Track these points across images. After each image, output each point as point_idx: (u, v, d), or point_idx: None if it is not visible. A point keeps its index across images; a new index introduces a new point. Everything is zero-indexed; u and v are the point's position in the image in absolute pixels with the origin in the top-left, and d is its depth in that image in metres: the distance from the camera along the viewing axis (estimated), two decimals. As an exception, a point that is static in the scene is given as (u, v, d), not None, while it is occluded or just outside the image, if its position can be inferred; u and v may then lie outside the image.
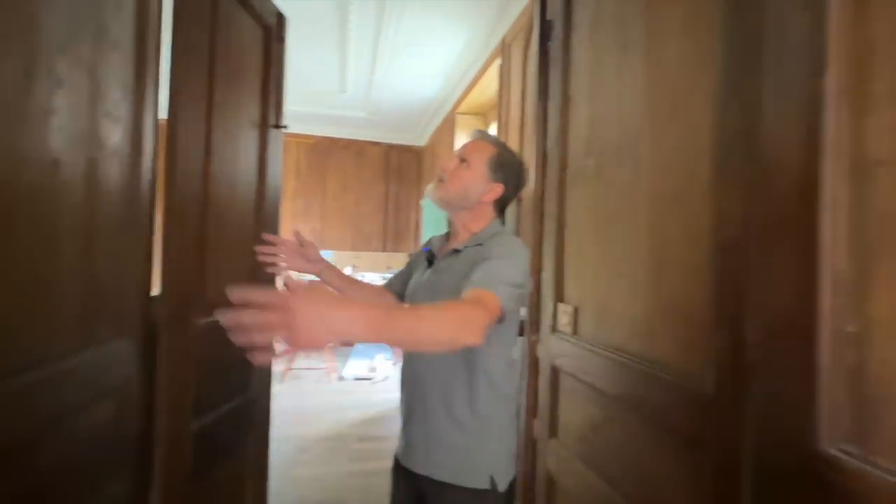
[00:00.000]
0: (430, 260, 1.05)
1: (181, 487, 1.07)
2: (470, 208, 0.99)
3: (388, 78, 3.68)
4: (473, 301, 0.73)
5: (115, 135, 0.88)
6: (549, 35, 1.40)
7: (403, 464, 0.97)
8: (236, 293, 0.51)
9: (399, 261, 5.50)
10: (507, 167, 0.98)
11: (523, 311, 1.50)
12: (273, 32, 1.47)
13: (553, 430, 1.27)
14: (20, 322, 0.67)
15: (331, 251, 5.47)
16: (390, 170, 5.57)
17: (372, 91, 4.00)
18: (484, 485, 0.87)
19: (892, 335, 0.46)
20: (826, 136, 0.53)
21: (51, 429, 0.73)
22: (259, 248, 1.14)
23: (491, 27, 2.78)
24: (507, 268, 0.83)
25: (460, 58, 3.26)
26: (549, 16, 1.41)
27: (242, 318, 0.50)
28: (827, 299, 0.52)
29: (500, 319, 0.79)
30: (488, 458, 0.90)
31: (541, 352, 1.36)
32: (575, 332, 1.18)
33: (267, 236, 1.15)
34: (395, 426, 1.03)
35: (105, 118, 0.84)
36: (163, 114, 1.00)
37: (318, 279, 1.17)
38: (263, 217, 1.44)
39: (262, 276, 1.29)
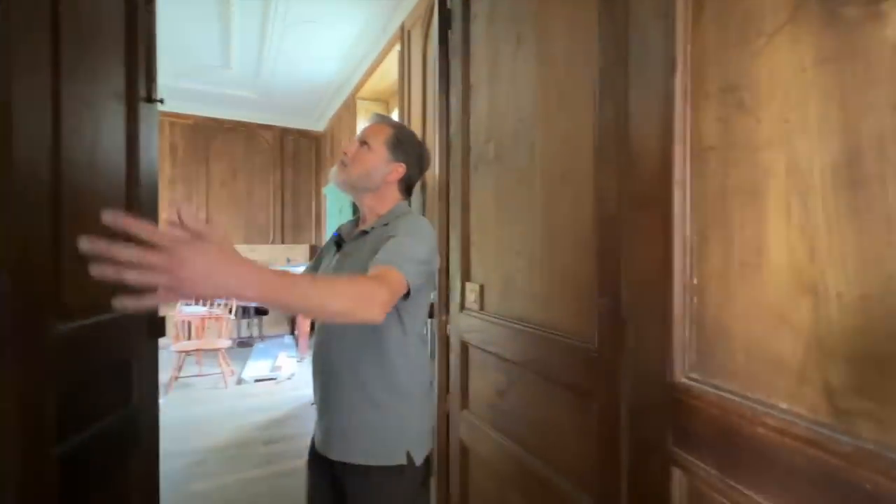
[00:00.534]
0: (340, 244, 1.03)
1: (46, 523, 0.90)
2: (375, 190, 1.00)
3: (280, 56, 3.42)
4: (376, 277, 0.73)
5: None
6: (450, 23, 1.44)
7: (322, 453, 0.95)
8: (113, 216, 0.43)
9: (299, 253, 5.20)
10: (406, 146, 1.01)
11: (433, 296, 1.55)
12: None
13: (465, 402, 1.35)
14: None
15: (220, 245, 4.95)
16: (286, 156, 5.20)
17: (262, 70, 3.68)
18: (401, 461, 0.90)
19: (721, 284, 0.59)
20: (675, 127, 0.65)
21: None
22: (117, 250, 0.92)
23: (389, 12, 2.74)
24: (412, 245, 0.85)
25: (358, 41, 3.17)
26: (448, 4, 1.45)
27: (117, 250, 0.43)
28: (678, 260, 0.65)
29: (407, 295, 0.80)
30: (405, 435, 0.92)
31: (451, 330, 1.42)
32: (482, 308, 1.26)
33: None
34: (306, 423, 1.00)
35: None
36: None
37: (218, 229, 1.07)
38: (138, 206, 1.25)
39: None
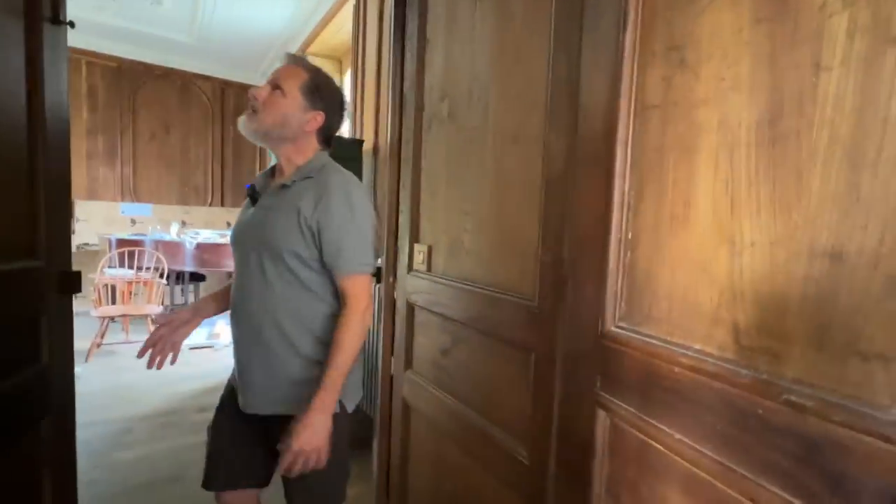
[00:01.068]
0: (254, 197, 0.97)
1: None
2: (293, 140, 0.93)
3: (220, -3, 3.10)
4: (349, 302, 0.88)
5: None
6: (407, -28, 1.37)
7: (247, 411, 0.93)
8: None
9: (242, 217, 4.91)
10: (324, 92, 0.94)
11: (381, 260, 1.52)
12: None
13: (409, 362, 1.36)
14: None
15: (148, 204, 4.55)
16: (227, 111, 4.81)
17: (200, 11, 3.32)
18: (335, 409, 0.90)
19: (652, 238, 0.62)
20: (622, 85, 0.66)
21: None
22: (148, 358, 1.09)
23: (345, -41, 2.56)
24: (356, 230, 0.87)
25: (310, -12, 2.94)
26: (406, -49, 1.37)
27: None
28: (616, 216, 0.67)
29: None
30: None
31: (398, 292, 1.42)
32: (429, 269, 1.26)
33: (144, 350, 1.09)
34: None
35: None
36: None
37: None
38: (42, 152, 1.08)
39: (48, 221, 1.00)
